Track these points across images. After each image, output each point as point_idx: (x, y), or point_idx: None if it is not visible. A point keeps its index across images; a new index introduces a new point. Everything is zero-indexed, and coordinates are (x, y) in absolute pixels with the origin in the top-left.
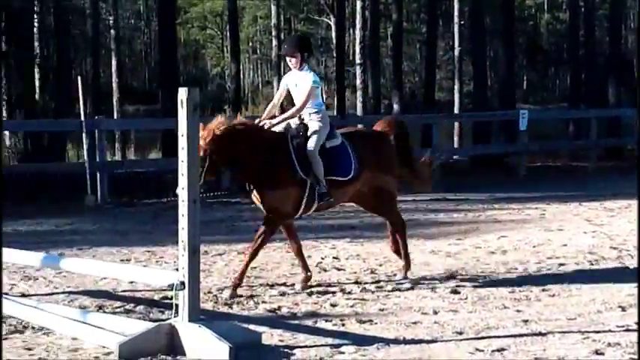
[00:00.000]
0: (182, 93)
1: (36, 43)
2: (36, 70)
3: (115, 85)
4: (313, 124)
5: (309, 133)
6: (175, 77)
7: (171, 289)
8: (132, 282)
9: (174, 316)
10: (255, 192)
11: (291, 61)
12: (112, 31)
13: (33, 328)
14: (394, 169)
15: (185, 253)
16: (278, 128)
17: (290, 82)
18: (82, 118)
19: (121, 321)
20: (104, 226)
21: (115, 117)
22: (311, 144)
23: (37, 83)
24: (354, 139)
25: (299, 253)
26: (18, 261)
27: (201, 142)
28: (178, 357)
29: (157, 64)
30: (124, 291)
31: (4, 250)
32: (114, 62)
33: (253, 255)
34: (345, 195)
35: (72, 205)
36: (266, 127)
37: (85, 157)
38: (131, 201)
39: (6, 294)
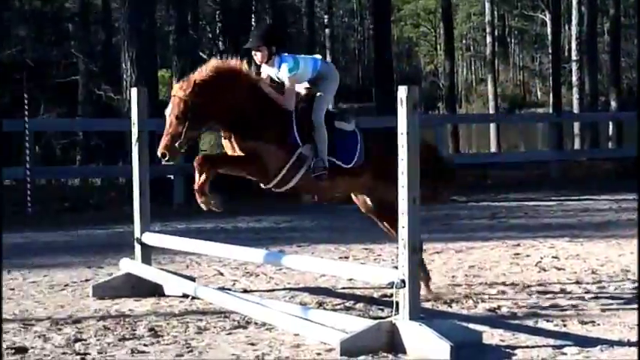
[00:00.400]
0: (402, 91)
1: None
2: None
3: None
4: (322, 82)
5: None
6: (390, 75)
7: (391, 287)
8: (351, 279)
9: (395, 314)
10: (229, 140)
11: (256, 56)
12: (327, 30)
13: (256, 323)
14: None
15: (405, 251)
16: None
17: (269, 73)
18: None
19: (342, 318)
20: (322, 224)
21: None
22: (314, 113)
23: None
24: (368, 135)
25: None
26: (239, 257)
27: (180, 94)
28: (399, 355)
29: (369, 62)
30: (343, 288)
31: (226, 246)
32: (328, 60)
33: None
34: (338, 186)
35: (290, 203)
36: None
37: None
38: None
39: (229, 289)
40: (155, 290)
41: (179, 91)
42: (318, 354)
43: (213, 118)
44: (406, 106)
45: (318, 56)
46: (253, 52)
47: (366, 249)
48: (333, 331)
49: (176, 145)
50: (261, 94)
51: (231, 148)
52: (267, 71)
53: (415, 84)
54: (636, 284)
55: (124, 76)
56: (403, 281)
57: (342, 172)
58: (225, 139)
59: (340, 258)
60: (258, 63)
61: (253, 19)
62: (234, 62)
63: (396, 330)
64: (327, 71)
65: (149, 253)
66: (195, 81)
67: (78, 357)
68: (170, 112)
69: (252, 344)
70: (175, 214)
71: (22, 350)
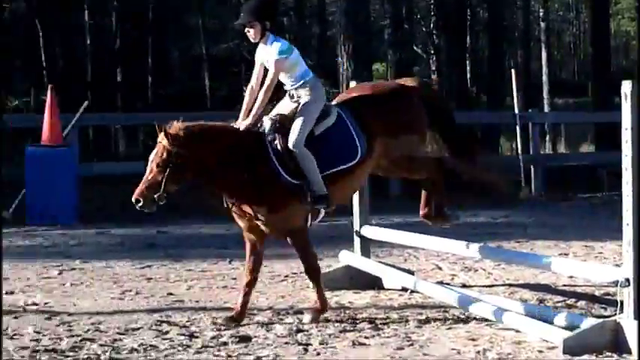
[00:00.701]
0: (626, 86)
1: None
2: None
3: (544, 77)
4: (303, 99)
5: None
6: (607, 70)
7: (615, 286)
8: (572, 277)
9: (619, 313)
10: (236, 208)
11: (249, 33)
12: (542, 24)
13: (476, 319)
14: (421, 127)
15: (629, 249)
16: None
17: (262, 58)
18: (516, 111)
19: (564, 315)
20: (539, 219)
21: (546, 110)
22: (292, 137)
23: (468, 76)
24: (355, 104)
25: (249, 283)
26: (458, 252)
27: (164, 143)
28: (624, 355)
29: (585, 56)
30: (564, 285)
31: (445, 240)
32: (544, 55)
33: (317, 279)
34: (358, 181)
35: (506, 197)
36: (241, 127)
37: (519, 150)
38: (565, 195)
39: (447, 284)
40: (374, 283)
41: (164, 138)
42: (540, 351)
43: (196, 173)
44: (630, 100)
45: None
46: (246, 30)
47: (587, 246)
48: (556, 329)
49: (155, 196)
50: (240, 138)
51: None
52: (261, 54)
53: (633, 78)
54: None
55: (340, 69)
56: (627, 280)
57: (353, 170)
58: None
59: (560, 255)
60: (252, 40)
61: (469, 14)
62: (222, 123)
63: (620, 329)
64: (314, 87)
65: (368, 246)
66: (181, 130)
67: (300, 347)
68: (152, 159)
69: (473, 339)
70: (392, 207)
71: (245, 339)
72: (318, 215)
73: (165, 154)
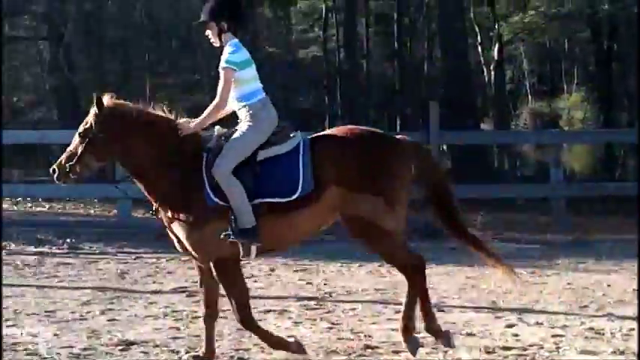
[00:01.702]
0: None
1: None
2: None
3: None
4: (242, 124)
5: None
6: None
7: None
8: None
9: None
10: (162, 214)
11: (208, 36)
12: None
13: None
14: (393, 189)
15: None
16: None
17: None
18: None
19: None
20: None
21: None
22: (217, 161)
23: None
24: (323, 141)
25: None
26: None
27: (92, 112)
28: None
29: None
30: None
31: None
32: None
33: (249, 325)
34: (296, 228)
35: None
36: (182, 130)
37: None
38: None
39: None
40: None
41: (94, 107)
42: None
43: (119, 155)
44: None
45: (262, 90)
46: (205, 33)
47: None
48: None
49: (66, 166)
50: (178, 141)
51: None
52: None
53: None
54: None
55: None
56: None
57: (289, 210)
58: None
59: None
60: (214, 45)
61: None
62: (165, 116)
63: None
64: (256, 112)
65: None
66: (112, 104)
67: None
68: (78, 129)
69: None
70: None
71: None
72: (249, 250)
73: (88, 124)
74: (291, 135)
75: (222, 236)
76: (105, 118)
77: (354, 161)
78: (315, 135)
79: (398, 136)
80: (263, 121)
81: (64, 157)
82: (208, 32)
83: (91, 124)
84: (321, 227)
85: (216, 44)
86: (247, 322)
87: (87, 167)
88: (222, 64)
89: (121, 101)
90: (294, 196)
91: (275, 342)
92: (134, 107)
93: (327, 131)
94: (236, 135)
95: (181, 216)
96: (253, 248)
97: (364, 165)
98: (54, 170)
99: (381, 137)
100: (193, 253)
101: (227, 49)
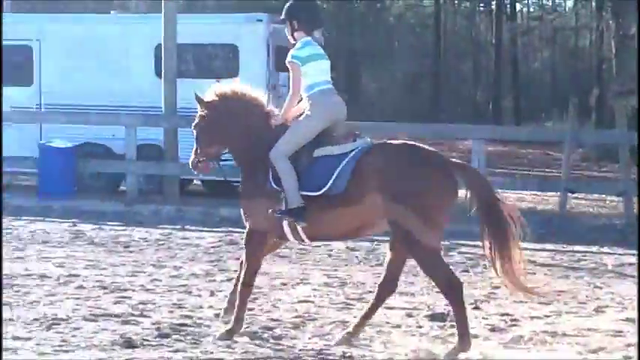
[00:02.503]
0: None
1: None
2: None
3: None
4: (304, 114)
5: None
6: None
7: None
8: None
9: None
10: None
11: (287, 33)
12: None
13: None
14: (429, 206)
15: None
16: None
17: None
18: None
19: None
20: None
21: None
22: (278, 143)
23: None
24: (378, 152)
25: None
26: None
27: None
28: None
29: None
30: None
31: None
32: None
33: (244, 286)
34: (333, 220)
35: None
36: (276, 118)
37: None
38: None
39: None
40: None
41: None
42: None
43: (219, 141)
44: None
45: (328, 82)
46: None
47: None
48: None
49: (196, 161)
50: (265, 127)
51: None
52: None
53: None
54: None
55: None
56: None
57: (318, 202)
58: None
59: None
60: (290, 41)
61: None
62: (251, 89)
63: None
64: (315, 104)
65: None
66: (212, 97)
67: None
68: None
69: None
70: None
71: None
72: (296, 231)
73: (197, 120)
74: (355, 140)
75: (272, 213)
76: (213, 107)
77: (400, 174)
78: (377, 143)
79: (454, 162)
80: (320, 110)
81: (191, 156)
82: (286, 29)
83: (201, 116)
84: (366, 229)
85: (291, 40)
86: (245, 285)
87: (211, 156)
88: (288, 58)
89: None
90: (319, 192)
91: (238, 316)
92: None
93: (391, 142)
94: (294, 124)
95: (242, 183)
96: (300, 229)
97: (410, 179)
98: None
99: (432, 156)
100: (244, 218)
101: (296, 46)
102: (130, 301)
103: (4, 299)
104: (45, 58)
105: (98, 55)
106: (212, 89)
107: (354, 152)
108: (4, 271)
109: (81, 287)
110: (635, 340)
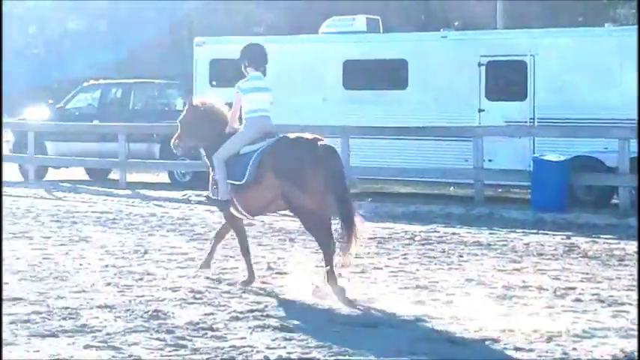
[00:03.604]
0: None
1: None
2: None
3: None
4: (239, 130)
5: None
6: None
7: None
8: None
9: None
10: None
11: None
12: None
13: None
14: (301, 178)
15: None
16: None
17: None
18: None
19: None
20: None
21: None
22: (217, 151)
23: None
24: (279, 144)
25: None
26: None
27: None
28: None
29: None
30: None
31: None
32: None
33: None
34: (251, 201)
35: None
36: (228, 127)
37: None
38: None
39: None
40: None
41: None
42: None
43: (195, 139)
44: None
45: (263, 109)
46: None
47: None
48: None
49: (176, 143)
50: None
51: None
52: None
53: None
54: None
55: None
56: None
57: (241, 189)
58: None
59: None
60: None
61: None
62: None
63: None
64: (247, 125)
65: None
66: (192, 101)
67: None
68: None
69: None
70: None
71: None
72: (237, 210)
73: (182, 115)
74: (268, 139)
75: (206, 198)
76: (191, 110)
77: (284, 158)
78: (277, 137)
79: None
80: (249, 130)
81: (174, 137)
82: (242, 65)
83: (184, 114)
84: (277, 204)
85: (245, 74)
86: (243, 248)
87: (187, 145)
88: (235, 88)
89: (204, 100)
90: (240, 182)
91: (249, 269)
92: (209, 103)
93: (287, 135)
94: (233, 136)
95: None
96: (239, 207)
97: (290, 161)
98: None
99: (308, 143)
100: None
101: (244, 79)
102: (627, 316)
103: (504, 310)
104: (539, 72)
105: (590, 68)
106: (196, 98)
107: (261, 148)
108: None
109: (578, 300)
110: None
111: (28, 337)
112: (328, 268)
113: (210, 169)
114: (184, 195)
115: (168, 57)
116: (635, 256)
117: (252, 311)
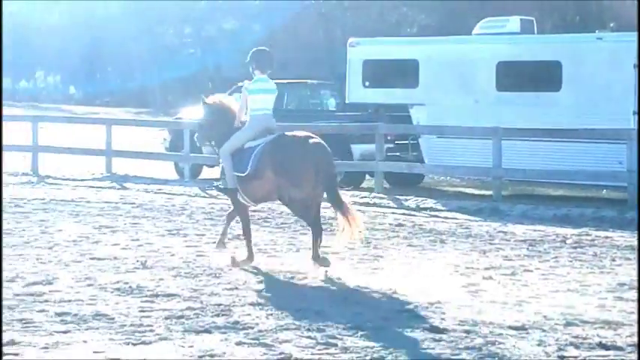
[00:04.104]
0: None
1: None
2: None
3: None
4: (243, 126)
5: None
6: None
7: None
8: None
9: None
10: None
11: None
12: None
13: None
14: (294, 174)
15: None
16: None
17: None
18: None
19: None
20: None
21: None
22: (224, 145)
23: None
24: (276, 142)
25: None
26: None
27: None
28: None
29: None
30: None
31: None
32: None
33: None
34: (253, 191)
35: None
36: (236, 122)
37: None
38: None
39: None
40: None
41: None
42: None
43: (211, 132)
44: None
45: (266, 109)
46: None
47: None
48: None
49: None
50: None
51: None
52: None
53: None
54: None
55: None
56: None
57: (245, 180)
58: None
59: None
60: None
61: None
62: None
63: None
64: (250, 122)
65: None
66: (205, 100)
67: None
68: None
69: None
70: None
71: None
72: (242, 197)
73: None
74: (268, 136)
75: (214, 187)
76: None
77: (280, 155)
78: (276, 135)
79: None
80: (252, 127)
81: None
82: (250, 68)
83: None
84: (273, 195)
85: (253, 77)
86: (245, 231)
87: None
88: (242, 88)
89: (217, 97)
90: (243, 174)
91: (249, 250)
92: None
93: (286, 133)
94: (237, 132)
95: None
96: (242, 195)
97: (285, 159)
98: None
99: (302, 142)
100: None
101: (252, 80)
102: None
103: None
104: None
105: None
106: (210, 97)
107: (261, 145)
108: None
109: None
110: None
111: (182, 333)
112: (315, 247)
113: (219, 160)
114: None
115: (318, 57)
116: None
117: (402, 311)
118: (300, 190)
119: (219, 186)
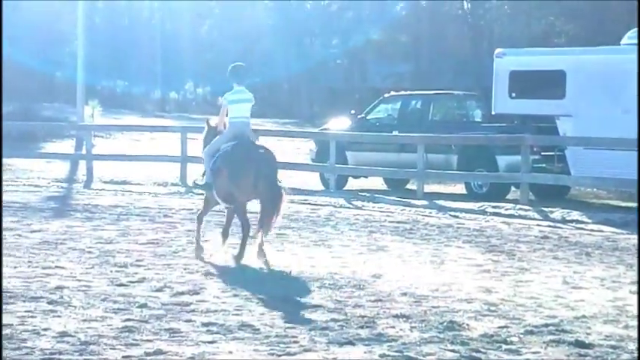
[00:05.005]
0: None
1: None
2: None
3: None
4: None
5: None
6: None
7: None
8: None
9: None
10: None
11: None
12: None
13: None
14: (234, 175)
15: None
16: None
17: None
18: None
19: None
20: None
21: None
22: (206, 148)
23: None
24: (235, 147)
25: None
26: None
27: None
28: None
29: None
30: None
31: None
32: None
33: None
34: (217, 189)
35: None
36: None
37: None
38: None
39: None
40: None
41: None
42: None
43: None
44: None
45: (243, 117)
46: None
47: None
48: None
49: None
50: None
51: None
52: None
53: None
54: None
55: None
56: None
57: (213, 177)
58: None
59: None
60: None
61: None
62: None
63: None
64: (229, 128)
65: None
66: (209, 122)
67: None
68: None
69: None
70: None
71: None
72: (212, 193)
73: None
74: (234, 142)
75: (193, 182)
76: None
77: (230, 161)
78: (237, 142)
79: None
80: (229, 132)
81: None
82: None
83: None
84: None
85: (233, 88)
86: (225, 230)
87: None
88: (222, 99)
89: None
90: (212, 170)
91: (243, 244)
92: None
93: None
94: (218, 136)
95: None
96: (214, 193)
97: (232, 164)
98: None
99: (248, 150)
100: None
101: (231, 91)
102: None
103: None
104: None
105: None
106: (212, 119)
107: (223, 150)
108: None
109: None
110: None
111: (326, 344)
112: (257, 242)
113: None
114: (481, 206)
115: (464, 68)
116: None
117: (546, 325)
118: (242, 193)
119: (196, 182)
